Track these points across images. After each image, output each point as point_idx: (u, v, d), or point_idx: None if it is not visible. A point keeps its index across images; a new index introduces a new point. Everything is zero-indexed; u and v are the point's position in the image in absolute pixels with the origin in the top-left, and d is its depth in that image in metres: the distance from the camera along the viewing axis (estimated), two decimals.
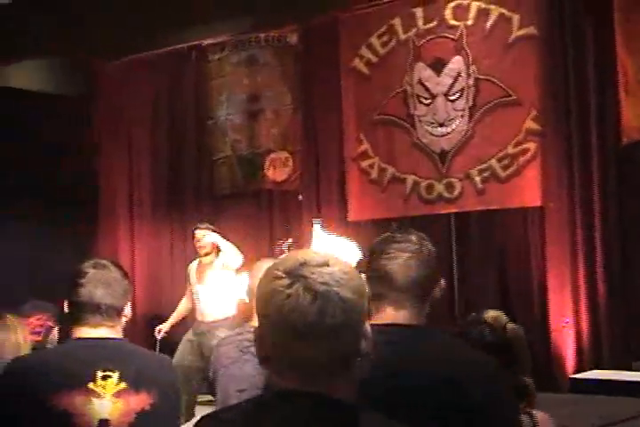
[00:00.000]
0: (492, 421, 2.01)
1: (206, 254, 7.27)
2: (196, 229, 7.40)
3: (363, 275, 2.23)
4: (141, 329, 7.86)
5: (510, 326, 3.88)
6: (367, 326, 1.57)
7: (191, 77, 9.24)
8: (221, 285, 7.07)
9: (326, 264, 1.54)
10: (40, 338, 4.68)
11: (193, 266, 7.42)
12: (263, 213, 8.72)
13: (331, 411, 1.51)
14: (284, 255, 1.61)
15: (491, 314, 4.00)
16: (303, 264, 1.53)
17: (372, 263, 2.20)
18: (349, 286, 1.53)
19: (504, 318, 3.97)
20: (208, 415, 1.67)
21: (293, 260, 1.55)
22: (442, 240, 7.12)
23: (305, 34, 8.38)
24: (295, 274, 1.52)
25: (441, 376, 2.02)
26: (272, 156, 8.55)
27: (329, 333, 1.49)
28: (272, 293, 1.52)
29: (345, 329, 1.51)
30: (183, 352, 7.04)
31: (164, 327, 7.51)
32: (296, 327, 1.48)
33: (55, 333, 4.81)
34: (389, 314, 2.17)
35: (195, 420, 1.72)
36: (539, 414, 2.79)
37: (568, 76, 6.91)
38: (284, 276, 1.52)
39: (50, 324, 4.79)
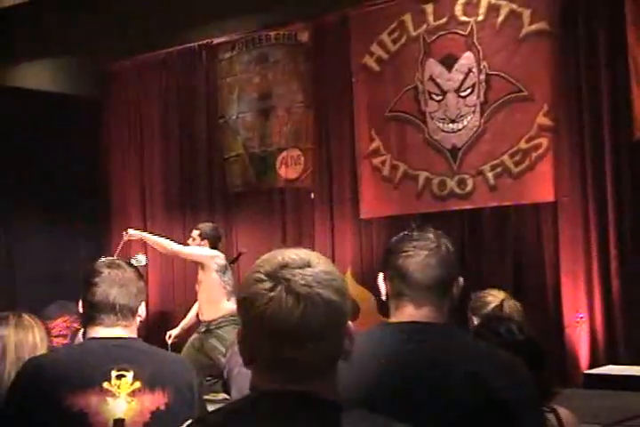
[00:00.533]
0: (517, 421, 2.00)
1: None
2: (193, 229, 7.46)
3: (381, 273, 2.24)
4: (154, 329, 7.87)
5: (509, 302, 3.86)
6: (350, 325, 1.57)
7: (202, 76, 9.24)
8: (215, 283, 7.10)
9: (308, 265, 1.53)
10: (67, 340, 4.67)
11: None
12: (275, 212, 8.72)
13: (315, 410, 1.51)
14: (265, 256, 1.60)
15: (492, 294, 3.98)
16: (284, 266, 1.53)
17: (390, 262, 2.20)
18: (332, 286, 1.53)
19: (502, 295, 3.95)
20: (196, 421, 1.68)
21: (274, 261, 1.54)
22: (455, 237, 7.11)
23: (315, 31, 8.37)
24: (277, 276, 1.51)
25: (464, 374, 2.02)
26: (284, 154, 8.55)
27: (313, 335, 1.49)
28: (255, 296, 1.51)
29: (329, 330, 1.51)
30: (186, 351, 7.06)
31: (174, 332, 7.53)
32: (280, 330, 1.49)
33: (80, 335, 4.81)
34: (409, 312, 2.17)
35: (185, 424, 1.73)
36: (561, 411, 2.78)
37: (580, 71, 6.89)
38: (265, 279, 1.52)
39: (76, 325, 4.79)
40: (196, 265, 7.31)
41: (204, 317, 7.19)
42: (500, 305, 3.73)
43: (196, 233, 7.33)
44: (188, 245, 7.41)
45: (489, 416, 1.97)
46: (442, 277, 2.17)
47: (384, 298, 2.24)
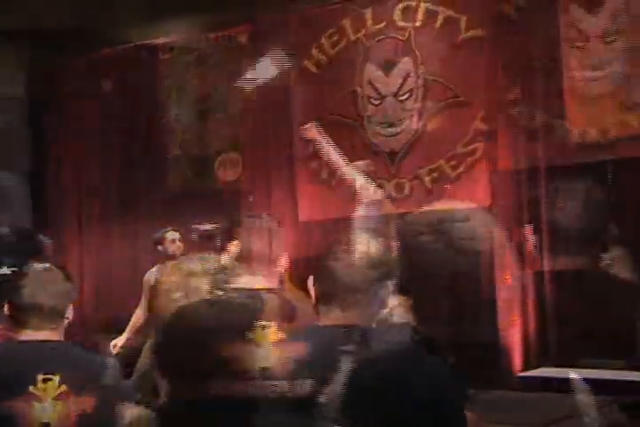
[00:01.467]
0: (441, 416, 2.03)
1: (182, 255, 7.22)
2: (167, 231, 7.28)
3: (311, 277, 2.25)
4: (90, 333, 7.75)
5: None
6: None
7: (143, 77, 9.19)
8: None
9: None
10: None
11: (161, 272, 7.18)
12: (214, 213, 8.67)
13: None
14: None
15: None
16: None
17: (320, 265, 2.22)
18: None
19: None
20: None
21: None
22: (393, 241, 7.14)
23: (255, 34, 8.37)
24: None
25: (391, 375, 2.04)
26: (222, 156, 8.54)
27: None
28: None
29: None
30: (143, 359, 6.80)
31: (120, 342, 7.05)
32: None
33: None
34: (337, 315, 2.18)
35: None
36: None
37: (515, 77, 6.97)
38: None
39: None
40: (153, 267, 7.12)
41: None
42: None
43: (178, 236, 7.19)
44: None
45: (412, 415, 2.00)
46: (369, 280, 2.18)
47: (314, 301, 2.25)
